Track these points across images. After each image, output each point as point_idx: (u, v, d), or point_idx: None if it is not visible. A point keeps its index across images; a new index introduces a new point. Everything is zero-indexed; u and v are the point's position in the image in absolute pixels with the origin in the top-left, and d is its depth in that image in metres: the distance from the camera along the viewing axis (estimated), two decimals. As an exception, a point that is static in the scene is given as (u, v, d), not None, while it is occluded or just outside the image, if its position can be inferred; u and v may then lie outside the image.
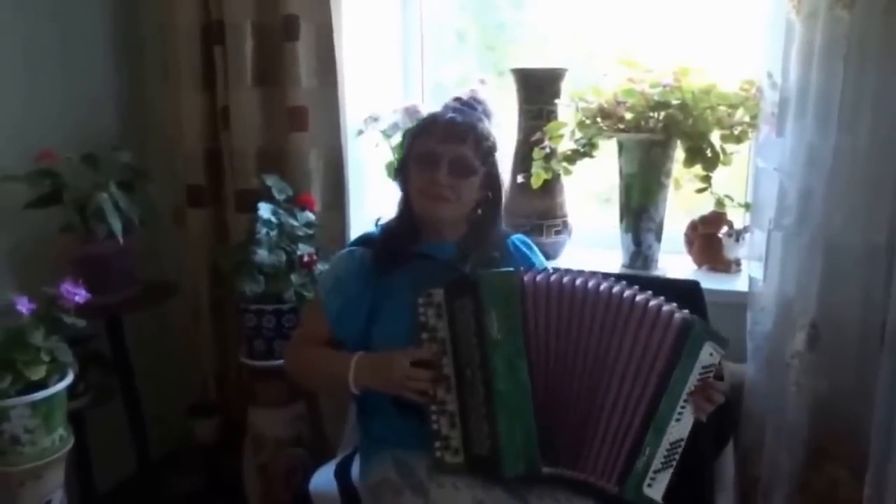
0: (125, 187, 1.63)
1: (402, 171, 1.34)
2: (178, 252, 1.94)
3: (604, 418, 1.14)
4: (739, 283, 1.62)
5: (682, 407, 1.13)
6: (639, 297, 1.15)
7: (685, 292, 1.42)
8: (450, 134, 1.27)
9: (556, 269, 1.23)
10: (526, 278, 1.17)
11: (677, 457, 1.14)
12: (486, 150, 1.29)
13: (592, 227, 1.88)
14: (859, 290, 1.37)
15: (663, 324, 1.12)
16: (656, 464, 1.12)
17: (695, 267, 1.73)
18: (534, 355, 1.15)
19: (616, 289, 1.16)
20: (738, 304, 1.51)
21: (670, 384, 1.12)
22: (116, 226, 1.54)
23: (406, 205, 1.33)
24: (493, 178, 1.31)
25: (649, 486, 1.12)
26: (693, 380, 1.13)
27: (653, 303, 1.15)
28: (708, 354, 1.13)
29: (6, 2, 1.64)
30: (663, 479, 1.14)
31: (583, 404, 1.15)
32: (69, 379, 1.36)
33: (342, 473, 1.42)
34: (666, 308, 1.14)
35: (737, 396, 1.51)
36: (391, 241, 1.31)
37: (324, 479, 1.47)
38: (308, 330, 1.34)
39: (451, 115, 1.30)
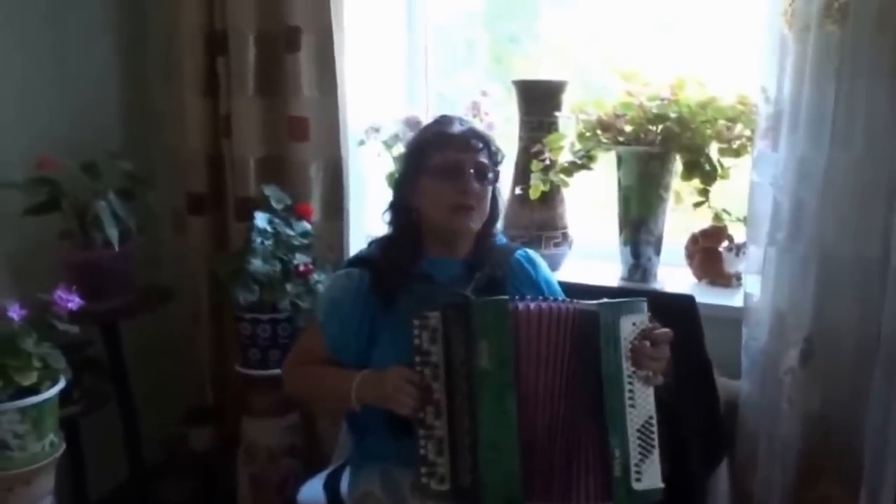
0: (124, 195, 1.64)
1: (407, 184, 1.30)
2: (178, 258, 1.95)
3: (583, 441, 1.12)
4: (738, 299, 1.59)
5: (631, 390, 1.11)
6: (553, 307, 1.14)
7: (680, 307, 1.41)
8: (468, 143, 1.27)
9: (551, 297, 1.22)
10: (520, 307, 1.13)
11: (653, 437, 1.11)
12: (498, 160, 1.31)
13: (594, 238, 1.86)
14: (854, 302, 1.36)
15: (569, 326, 1.12)
16: (634, 457, 1.10)
17: (695, 280, 1.72)
18: (524, 388, 1.11)
19: (571, 307, 1.15)
20: (734, 319, 1.50)
21: (605, 377, 1.10)
22: (112, 234, 1.55)
23: (407, 219, 1.30)
24: (496, 189, 1.31)
25: (638, 481, 1.10)
26: (626, 360, 1.11)
27: (559, 307, 1.14)
28: (630, 326, 1.11)
29: (3, 6, 1.65)
30: (651, 466, 1.11)
31: (569, 432, 1.13)
32: (60, 385, 1.36)
33: (331, 485, 1.41)
34: (564, 308, 1.14)
35: (732, 412, 1.49)
36: (393, 262, 1.27)
37: (313, 490, 1.46)
38: (307, 347, 1.32)
39: (458, 125, 1.30)
